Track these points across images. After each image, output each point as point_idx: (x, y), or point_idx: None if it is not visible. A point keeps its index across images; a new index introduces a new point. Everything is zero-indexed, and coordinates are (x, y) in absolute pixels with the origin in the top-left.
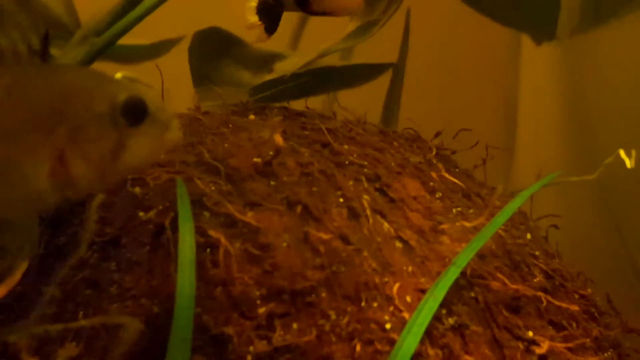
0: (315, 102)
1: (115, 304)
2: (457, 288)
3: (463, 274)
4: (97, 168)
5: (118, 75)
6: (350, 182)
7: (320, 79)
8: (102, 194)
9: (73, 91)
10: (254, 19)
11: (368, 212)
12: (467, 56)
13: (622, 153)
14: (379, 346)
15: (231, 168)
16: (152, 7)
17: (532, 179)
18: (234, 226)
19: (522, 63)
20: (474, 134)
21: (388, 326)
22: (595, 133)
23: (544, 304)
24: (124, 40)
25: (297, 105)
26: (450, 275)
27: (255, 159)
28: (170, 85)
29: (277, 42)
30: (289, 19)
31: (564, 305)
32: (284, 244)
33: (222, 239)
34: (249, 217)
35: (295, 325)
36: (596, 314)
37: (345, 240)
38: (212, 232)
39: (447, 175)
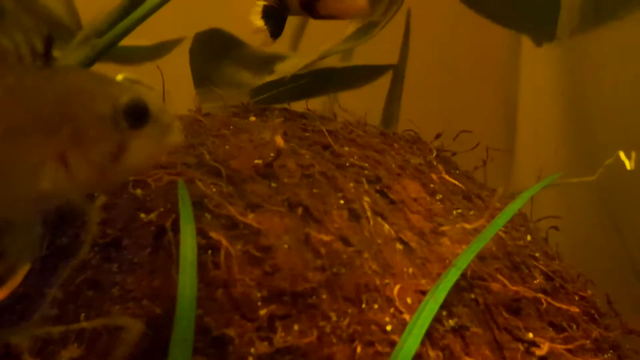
0: (316, 104)
1: (116, 305)
2: (457, 290)
3: (463, 275)
4: (99, 169)
5: (119, 76)
6: (351, 184)
7: (321, 80)
8: (104, 196)
9: (75, 93)
10: (259, 23)
11: (369, 213)
12: (468, 57)
13: (622, 155)
14: (379, 348)
15: (232, 170)
16: (153, 9)
17: (532, 180)
18: (235, 228)
19: (522, 64)
20: (474, 135)
21: (389, 328)
22: (595, 134)
23: (544, 305)
24: (125, 41)
25: (298, 106)
26: (451, 277)
27: (256, 161)
28: (170, 86)
29: (277, 44)
30: (289, 20)
31: (564, 306)
32: (285, 246)
33: (223, 241)
34: (250, 218)
35: (296, 327)
36: (596, 316)
37: (346, 241)
38: (213, 234)
39: (447, 177)
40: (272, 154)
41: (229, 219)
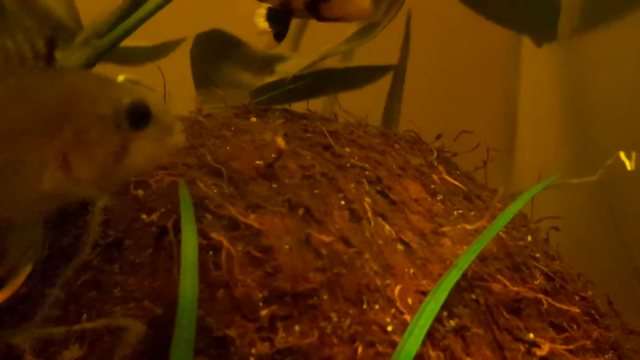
0: (316, 104)
1: (118, 306)
2: (458, 290)
3: (464, 276)
4: (101, 171)
5: (120, 77)
6: (352, 185)
7: (322, 81)
8: (106, 197)
9: (77, 94)
10: (264, 25)
11: (369, 214)
12: (468, 58)
13: (622, 155)
14: (380, 348)
15: (233, 170)
16: (154, 10)
17: (532, 181)
18: (236, 228)
19: (523, 65)
20: (475, 135)
21: (389, 328)
22: (595, 135)
23: (545, 305)
24: (126, 42)
25: (298, 107)
26: (452, 278)
27: (257, 162)
28: (171, 87)
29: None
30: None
31: (564, 307)
32: (286, 247)
33: (225, 242)
34: (251, 219)
35: (297, 327)
36: (597, 316)
37: (346, 242)
38: (214, 235)
39: (448, 177)
40: (273, 155)
41: (230, 219)
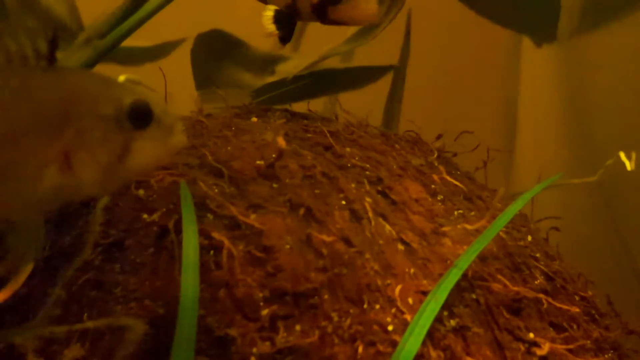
0: (317, 104)
1: (119, 305)
2: (458, 290)
3: (464, 276)
4: (103, 171)
5: (121, 77)
6: (353, 185)
7: (322, 81)
8: (107, 196)
9: (79, 94)
10: (271, 27)
11: (370, 214)
12: (468, 58)
13: (622, 155)
14: (381, 348)
15: (234, 170)
16: (154, 10)
17: (532, 181)
18: (237, 228)
19: (523, 65)
20: (475, 136)
21: (390, 328)
22: (595, 135)
23: (545, 305)
24: (126, 42)
25: (299, 107)
26: (452, 277)
27: (258, 162)
28: (172, 87)
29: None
30: None
31: (564, 307)
32: (287, 246)
33: (226, 241)
34: (252, 219)
35: (298, 327)
36: (597, 316)
37: (347, 242)
38: (215, 234)
39: (448, 177)
40: (273, 155)
41: (231, 219)
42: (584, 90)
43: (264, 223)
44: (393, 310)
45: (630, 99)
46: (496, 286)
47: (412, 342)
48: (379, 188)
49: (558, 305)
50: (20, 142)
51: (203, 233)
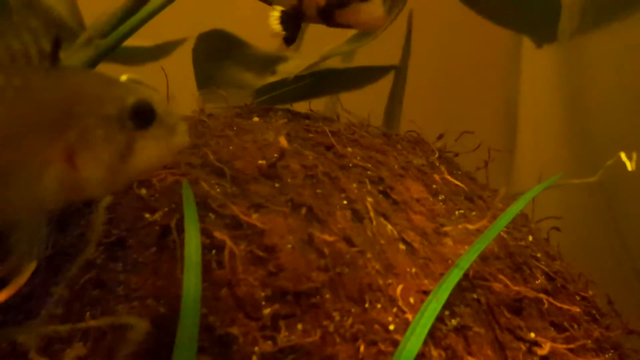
0: (318, 104)
1: (121, 304)
2: (459, 290)
3: (466, 275)
4: (106, 170)
5: (123, 77)
6: (354, 185)
7: (323, 81)
8: (109, 196)
9: (82, 94)
10: (277, 28)
11: (372, 214)
12: (469, 59)
13: (623, 156)
14: (382, 347)
15: (236, 170)
16: (156, 10)
17: (533, 181)
18: (239, 228)
19: (523, 65)
20: (476, 136)
21: (391, 327)
22: (595, 135)
23: (546, 305)
24: (128, 42)
25: (300, 107)
26: (453, 277)
27: (259, 161)
28: (173, 87)
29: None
30: None
31: (565, 306)
32: (289, 246)
33: (228, 241)
34: (254, 218)
35: (299, 326)
36: (597, 316)
37: (349, 242)
38: (217, 234)
39: (449, 177)
40: (275, 155)
41: (233, 219)
42: (584, 90)
43: (266, 223)
44: (394, 309)
45: (631, 99)
46: (497, 286)
47: (414, 341)
48: (381, 188)
49: (559, 305)
50: (23, 142)
51: (205, 232)
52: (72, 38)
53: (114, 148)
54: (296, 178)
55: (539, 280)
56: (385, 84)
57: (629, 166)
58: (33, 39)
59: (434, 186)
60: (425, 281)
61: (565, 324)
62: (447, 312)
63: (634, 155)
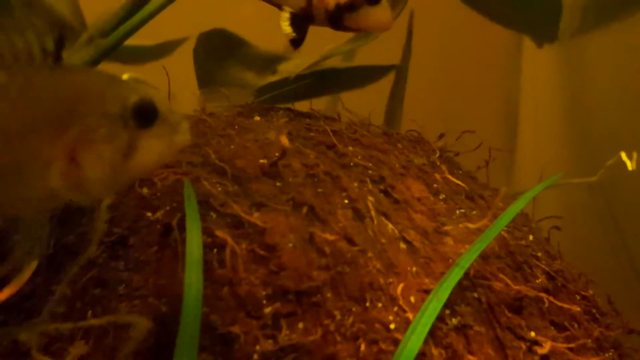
0: (319, 104)
1: (123, 303)
2: (460, 289)
3: (466, 274)
4: (108, 169)
5: (124, 76)
6: (355, 184)
7: (324, 80)
8: (112, 195)
9: (85, 92)
10: (288, 29)
11: (373, 213)
12: (470, 58)
13: (623, 155)
14: (383, 346)
15: (237, 169)
16: (157, 9)
17: (533, 180)
18: (240, 227)
19: (524, 65)
20: (476, 135)
21: (392, 326)
22: (596, 135)
23: (546, 304)
24: (129, 41)
25: (301, 106)
26: (454, 276)
27: (261, 160)
28: (174, 86)
29: (279, 44)
30: None
31: (565, 306)
32: (290, 245)
33: (229, 240)
34: (255, 217)
35: (300, 325)
36: (597, 315)
37: (350, 241)
38: (218, 233)
39: (450, 177)
40: (277, 154)
41: (235, 217)
42: (584, 90)
43: (267, 221)
44: (395, 308)
45: (631, 99)
46: (498, 285)
47: (414, 340)
48: (382, 187)
49: (559, 304)
50: (26, 140)
51: (206, 231)
52: (74, 37)
53: (117, 146)
54: (297, 177)
55: (540, 280)
56: (386, 84)
57: (629, 166)
58: (36, 37)
59: (435, 185)
60: (426, 280)
61: (566, 323)
62: (447, 311)
63: (635, 155)
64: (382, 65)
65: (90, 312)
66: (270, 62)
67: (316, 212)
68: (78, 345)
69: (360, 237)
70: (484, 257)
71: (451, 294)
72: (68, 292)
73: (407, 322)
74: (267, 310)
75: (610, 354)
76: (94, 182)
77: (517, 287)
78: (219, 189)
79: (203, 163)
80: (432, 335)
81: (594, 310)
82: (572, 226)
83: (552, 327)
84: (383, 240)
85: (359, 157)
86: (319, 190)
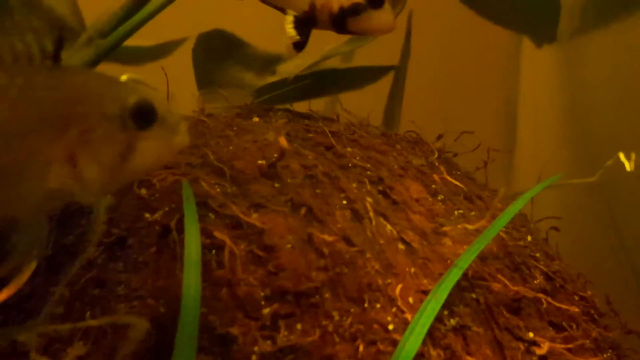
0: (318, 105)
1: (122, 304)
2: (458, 289)
3: (465, 275)
4: (107, 170)
5: (123, 77)
6: (354, 185)
7: (323, 81)
8: (110, 196)
9: (84, 93)
10: (292, 32)
11: (371, 214)
12: (469, 59)
13: (622, 156)
14: (381, 347)
15: (236, 170)
16: (156, 9)
17: (532, 181)
18: (238, 228)
19: (523, 65)
20: (475, 136)
21: (391, 327)
22: (595, 135)
23: (545, 305)
24: (128, 42)
25: (300, 107)
26: (452, 277)
27: (259, 161)
28: (173, 86)
29: (279, 44)
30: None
31: (564, 306)
32: (288, 246)
33: (227, 240)
34: (254, 218)
35: (299, 326)
36: (596, 316)
37: (348, 242)
38: (217, 234)
39: (449, 177)
40: (275, 155)
41: (233, 218)
42: (584, 91)
43: (266, 222)
44: (394, 309)
45: (630, 98)
46: (496, 286)
47: (413, 341)
48: (380, 188)
49: (557, 304)
50: (25, 141)
51: (205, 232)
52: (73, 38)
53: (116, 148)
54: (296, 178)
55: (538, 280)
56: (384, 84)
57: (628, 166)
58: (35, 38)
59: (433, 186)
60: (425, 281)
61: (564, 323)
62: (446, 312)
63: (633, 156)
64: (381, 66)
65: (89, 312)
66: (269, 62)
67: (315, 213)
68: (77, 346)
69: (359, 238)
70: (482, 257)
71: (449, 294)
72: (67, 293)
73: (406, 323)
74: (266, 311)
75: (609, 354)
76: (92, 182)
77: (515, 288)
78: (218, 190)
79: (202, 164)
80: (431, 336)
81: (592, 311)
82: (571, 227)
83: (551, 328)
84: (381, 241)
85: (358, 158)
86: (318, 191)
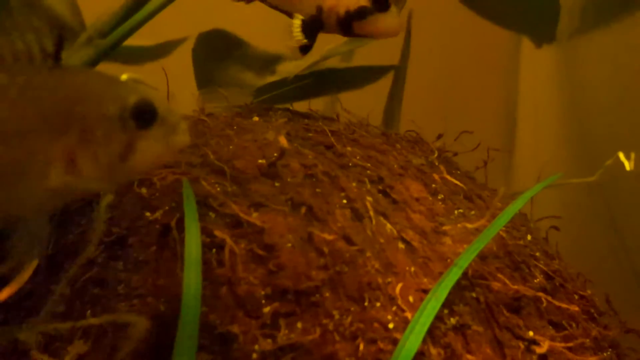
0: (318, 104)
1: (122, 302)
2: (458, 288)
3: (465, 274)
4: (107, 169)
5: (123, 77)
6: (354, 184)
7: (323, 80)
8: (110, 194)
9: (84, 93)
10: (300, 36)
11: (371, 213)
12: (468, 58)
13: (621, 155)
14: (382, 345)
15: (236, 169)
16: (156, 9)
17: (532, 181)
18: (239, 226)
19: (523, 65)
20: (475, 135)
21: (391, 326)
22: (594, 135)
23: (544, 304)
24: (128, 41)
25: (300, 106)
26: (452, 276)
27: (259, 161)
28: (173, 86)
29: (280, 44)
30: (288, 20)
31: (563, 305)
32: (289, 245)
33: (228, 239)
34: (254, 217)
35: (299, 325)
36: (595, 315)
37: (348, 241)
38: (217, 233)
39: (448, 177)
40: (275, 154)
41: (233, 217)
42: (583, 90)
43: (266, 221)
44: (394, 308)
45: (630, 98)
46: (496, 285)
47: (413, 340)
48: (380, 187)
49: (557, 304)
50: (26, 140)
51: (205, 231)
52: (73, 38)
53: (116, 147)
54: (296, 177)
55: (538, 279)
56: (384, 84)
57: (627, 166)
58: (36, 38)
59: (433, 185)
60: (425, 280)
61: (564, 322)
62: (446, 311)
63: (633, 155)
64: (381, 66)
65: (89, 311)
66: (269, 62)
67: (315, 212)
68: (77, 344)
69: (359, 237)
70: (482, 257)
71: (450, 293)
72: (67, 292)
73: (406, 322)
74: (266, 309)
75: (608, 353)
76: (92, 182)
77: (515, 287)
78: (218, 189)
79: (202, 163)
80: (431, 334)
81: (592, 310)
82: (571, 226)
83: (550, 327)
84: (381, 240)
85: (358, 158)
86: (318, 190)
